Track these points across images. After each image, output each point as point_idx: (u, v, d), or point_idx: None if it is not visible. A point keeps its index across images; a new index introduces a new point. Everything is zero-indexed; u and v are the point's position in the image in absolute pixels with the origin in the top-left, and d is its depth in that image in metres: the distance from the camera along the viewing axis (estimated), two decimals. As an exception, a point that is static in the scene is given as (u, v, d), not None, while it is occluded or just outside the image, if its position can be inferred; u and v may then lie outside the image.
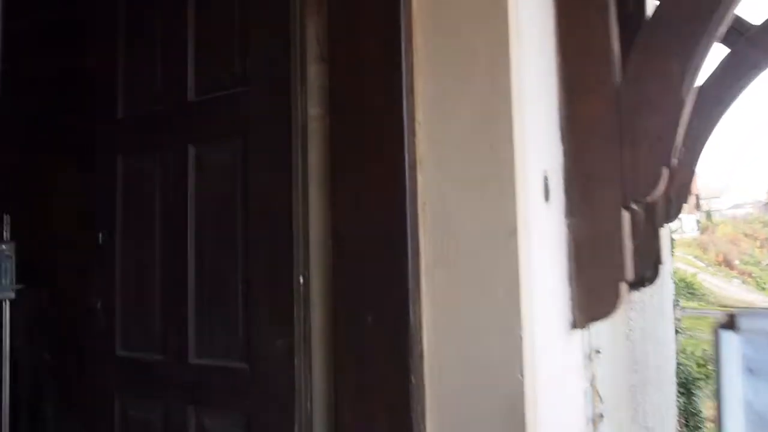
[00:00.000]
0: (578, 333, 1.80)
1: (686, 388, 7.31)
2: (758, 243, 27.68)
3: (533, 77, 1.54)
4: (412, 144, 1.45)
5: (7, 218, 3.40)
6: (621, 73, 1.65)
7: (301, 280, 1.58)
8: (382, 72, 1.46)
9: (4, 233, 3.37)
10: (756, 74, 2.62)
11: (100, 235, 2.04)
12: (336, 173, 1.53)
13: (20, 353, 3.94)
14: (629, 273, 1.69)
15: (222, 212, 1.75)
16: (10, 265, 3.39)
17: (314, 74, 1.60)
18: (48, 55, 3.06)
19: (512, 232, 1.38)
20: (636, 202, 1.67)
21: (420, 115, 1.47)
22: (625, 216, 1.66)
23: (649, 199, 1.66)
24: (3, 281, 3.39)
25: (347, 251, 1.50)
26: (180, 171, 1.84)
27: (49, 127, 3.55)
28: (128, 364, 1.98)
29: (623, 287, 1.66)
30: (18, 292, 3.29)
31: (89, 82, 2.12)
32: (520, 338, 1.37)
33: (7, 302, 3.41)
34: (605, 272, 1.67)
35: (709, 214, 30.87)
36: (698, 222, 29.22)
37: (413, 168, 1.45)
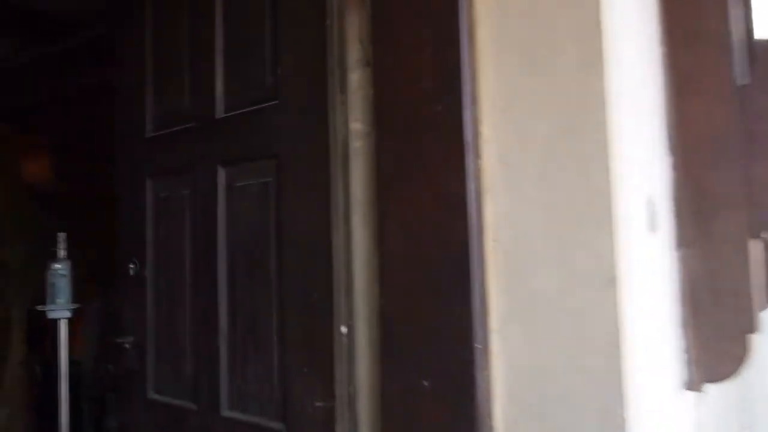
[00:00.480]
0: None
1: (791, 411, 6.58)
2: None
3: (633, 75, 1.20)
4: (477, 165, 1.15)
5: (62, 236, 3.34)
6: (747, 66, 1.29)
7: (344, 331, 1.30)
8: (439, 76, 1.16)
9: (60, 252, 3.31)
10: None
11: (131, 267, 1.84)
12: (384, 202, 1.24)
13: (85, 366, 3.93)
14: (758, 317, 1.32)
15: (254, 246, 1.51)
16: (65, 284, 3.32)
17: (356, 82, 1.31)
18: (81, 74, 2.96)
19: (610, 279, 1.06)
20: (769, 230, 1.30)
21: (486, 129, 1.16)
22: (755, 247, 1.30)
23: (787, 226, 1.29)
24: (58, 300, 3.32)
25: (399, 299, 1.21)
26: (210, 197, 1.60)
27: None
28: (160, 409, 1.79)
29: (752, 340, 1.30)
30: (83, 303, 3.23)
31: (117, 98, 1.93)
32: (623, 419, 1.04)
33: (65, 321, 3.34)
34: (728, 319, 1.31)
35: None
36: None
37: (479, 196, 1.14)
